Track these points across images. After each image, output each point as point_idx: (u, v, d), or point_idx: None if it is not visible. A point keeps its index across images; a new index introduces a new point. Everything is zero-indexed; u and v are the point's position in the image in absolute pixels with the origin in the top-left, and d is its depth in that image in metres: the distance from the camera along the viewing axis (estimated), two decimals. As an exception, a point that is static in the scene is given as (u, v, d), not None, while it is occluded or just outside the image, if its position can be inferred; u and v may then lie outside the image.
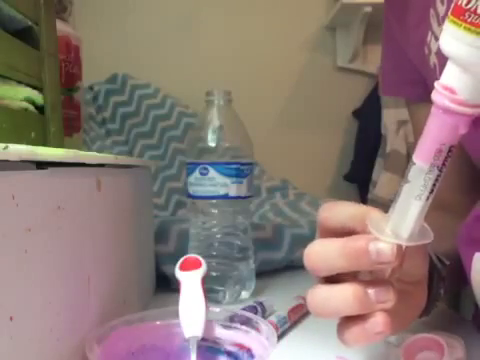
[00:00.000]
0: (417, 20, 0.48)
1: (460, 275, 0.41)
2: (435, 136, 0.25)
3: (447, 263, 0.40)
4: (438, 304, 0.39)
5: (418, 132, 0.59)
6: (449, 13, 0.22)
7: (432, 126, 0.25)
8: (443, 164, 0.25)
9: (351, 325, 0.29)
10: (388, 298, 0.29)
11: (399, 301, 0.29)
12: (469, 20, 0.21)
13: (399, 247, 0.27)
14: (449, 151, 0.24)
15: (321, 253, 0.29)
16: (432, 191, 0.26)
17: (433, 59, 0.46)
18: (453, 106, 0.23)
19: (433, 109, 0.24)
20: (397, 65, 0.56)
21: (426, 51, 0.47)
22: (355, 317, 0.29)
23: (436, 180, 0.25)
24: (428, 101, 0.58)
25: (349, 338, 0.30)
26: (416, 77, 0.53)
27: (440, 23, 0.43)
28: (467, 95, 0.23)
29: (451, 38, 0.22)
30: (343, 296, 0.29)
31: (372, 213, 0.29)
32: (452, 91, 0.23)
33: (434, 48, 0.45)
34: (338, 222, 0.30)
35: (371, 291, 0.28)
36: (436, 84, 0.24)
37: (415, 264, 0.32)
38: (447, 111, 0.24)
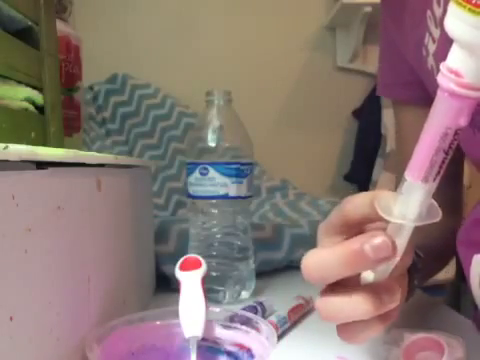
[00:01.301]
0: (414, 22, 0.47)
1: (434, 267, 0.41)
2: (441, 120, 0.24)
3: (422, 256, 0.41)
4: (413, 293, 0.41)
5: (401, 133, 0.59)
6: None
7: (437, 110, 0.24)
8: (449, 147, 0.25)
9: (353, 324, 0.30)
10: (397, 297, 0.29)
11: None
12: (473, 1, 0.21)
13: (394, 241, 0.27)
14: (455, 134, 0.24)
15: (318, 264, 0.29)
16: (439, 173, 0.26)
17: (431, 61, 0.46)
18: (458, 89, 0.23)
19: (439, 92, 0.24)
20: (393, 66, 0.56)
21: (424, 53, 0.47)
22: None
23: (443, 162, 0.25)
24: (419, 104, 0.58)
25: (355, 336, 0.30)
26: (411, 79, 0.53)
27: (437, 25, 0.43)
28: (473, 78, 0.23)
29: (456, 19, 0.22)
30: (357, 304, 0.29)
31: (380, 194, 0.28)
32: (458, 74, 0.23)
33: (431, 50, 0.45)
34: (360, 212, 0.30)
35: (383, 294, 0.29)
36: (442, 67, 0.24)
37: (406, 259, 0.32)
38: (453, 94, 0.23)
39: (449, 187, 0.55)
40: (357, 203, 0.30)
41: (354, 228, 0.30)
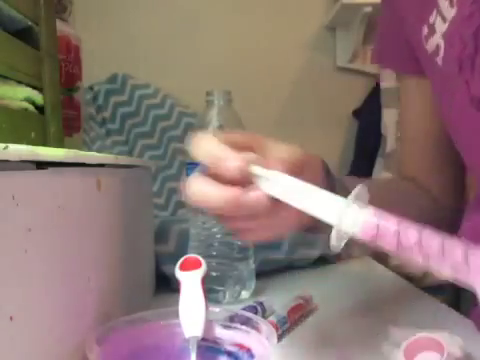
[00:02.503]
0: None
1: None
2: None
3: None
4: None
5: (404, 105, 0.59)
6: None
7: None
8: None
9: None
10: (258, 205, 0.33)
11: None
12: None
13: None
14: None
15: (204, 197, 0.34)
16: None
17: (437, 40, 0.44)
18: None
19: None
20: (389, 34, 0.55)
21: (425, 31, 0.46)
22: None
23: None
24: (416, 74, 0.56)
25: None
26: (406, 53, 0.52)
27: (454, 4, 0.42)
28: None
29: None
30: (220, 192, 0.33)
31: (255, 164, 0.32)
32: None
33: (440, 29, 0.44)
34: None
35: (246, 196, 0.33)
36: None
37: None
38: None
39: (441, 173, 0.56)
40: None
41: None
